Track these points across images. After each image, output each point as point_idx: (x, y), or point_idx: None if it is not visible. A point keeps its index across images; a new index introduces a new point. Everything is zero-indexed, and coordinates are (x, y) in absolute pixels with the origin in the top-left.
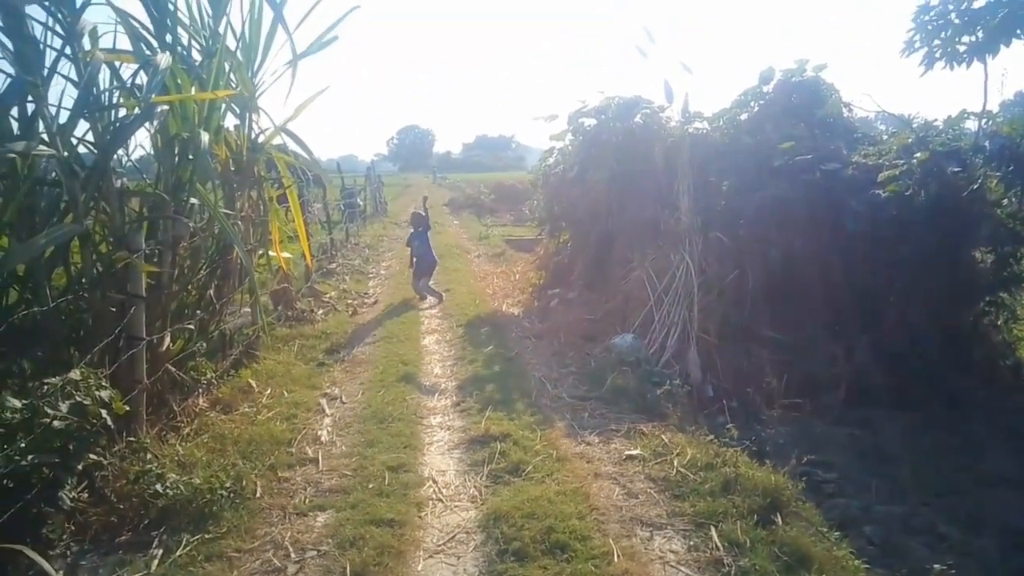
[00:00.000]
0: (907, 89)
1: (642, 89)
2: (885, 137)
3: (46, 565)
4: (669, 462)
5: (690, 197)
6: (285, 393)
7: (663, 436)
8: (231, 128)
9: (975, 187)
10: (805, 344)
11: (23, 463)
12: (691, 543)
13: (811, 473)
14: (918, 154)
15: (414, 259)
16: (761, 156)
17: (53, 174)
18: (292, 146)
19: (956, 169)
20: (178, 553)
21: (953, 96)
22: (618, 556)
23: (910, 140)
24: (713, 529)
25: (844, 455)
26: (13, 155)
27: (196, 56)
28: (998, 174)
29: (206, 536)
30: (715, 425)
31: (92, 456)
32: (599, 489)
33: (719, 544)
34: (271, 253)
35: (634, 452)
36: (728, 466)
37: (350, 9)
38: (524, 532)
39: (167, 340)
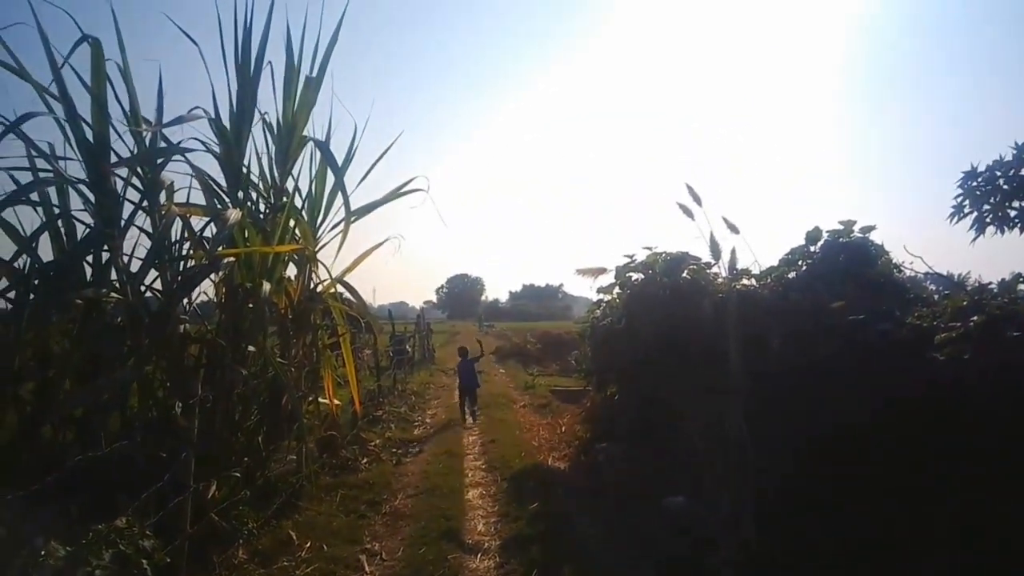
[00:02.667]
0: (956, 249)
1: (688, 245)
2: (936, 298)
3: None
4: None
5: (739, 353)
6: (324, 547)
7: None
8: (291, 278)
9: None
10: (866, 510)
11: None
12: None
13: None
14: (975, 317)
15: (459, 380)
16: (813, 314)
17: (119, 320)
18: (347, 295)
19: (1016, 333)
20: None
21: (1002, 257)
22: None
23: (965, 302)
24: None
25: None
26: (82, 301)
27: (262, 209)
28: None
29: None
30: None
31: None
32: None
33: None
34: (321, 399)
35: None
36: None
37: (412, 188)
38: None
39: (213, 487)
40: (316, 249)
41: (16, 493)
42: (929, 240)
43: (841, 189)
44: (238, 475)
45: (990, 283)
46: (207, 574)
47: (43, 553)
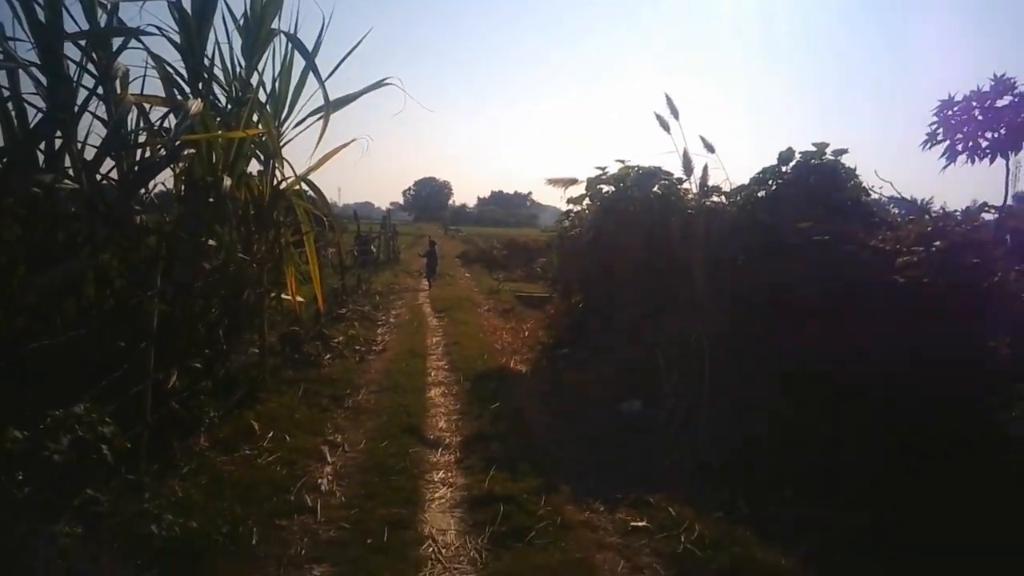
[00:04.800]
0: (924, 176)
1: (661, 160)
2: (901, 222)
3: None
4: (676, 537)
5: (704, 269)
6: (287, 438)
7: (670, 509)
8: (254, 174)
9: (996, 278)
10: (819, 423)
11: (19, 495)
12: None
13: (821, 558)
14: (937, 242)
15: (425, 264)
16: (779, 234)
17: (73, 208)
18: (311, 193)
19: (975, 260)
20: None
21: (970, 186)
22: None
23: (928, 228)
24: None
25: (855, 540)
26: (38, 188)
27: (226, 105)
28: (1017, 268)
29: None
30: (724, 501)
31: (89, 491)
32: (603, 561)
33: None
34: (284, 295)
35: (640, 524)
36: (737, 545)
37: (382, 79)
38: None
39: (173, 377)
40: (280, 145)
41: None
42: (899, 168)
43: (821, 112)
44: (199, 366)
45: (955, 211)
46: (168, 460)
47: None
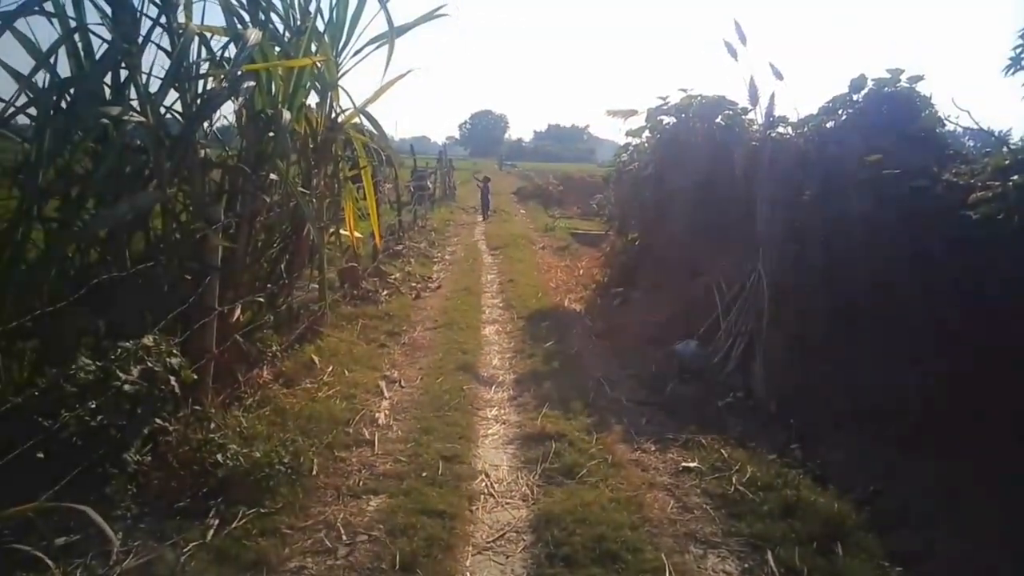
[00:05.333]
0: (1006, 106)
1: (725, 90)
2: (976, 154)
3: (106, 528)
4: (727, 478)
5: (769, 205)
6: (346, 372)
7: (722, 450)
8: (312, 107)
9: None
10: (878, 367)
11: (92, 423)
12: (746, 565)
13: (875, 502)
14: (1015, 177)
15: (481, 199)
16: (847, 167)
17: (139, 141)
18: (368, 127)
19: None
20: (233, 525)
21: None
22: (670, 572)
23: (1007, 161)
24: (770, 553)
25: (910, 485)
26: (107, 120)
27: (284, 33)
28: None
29: (261, 510)
30: (777, 443)
31: (158, 421)
32: (654, 500)
33: (775, 569)
34: (343, 231)
35: (691, 464)
36: (789, 488)
37: (437, 9)
38: (575, 538)
39: (237, 311)
40: (338, 75)
41: (45, 309)
42: (981, 94)
43: (898, 34)
44: (261, 300)
45: None
46: (232, 392)
47: (75, 366)
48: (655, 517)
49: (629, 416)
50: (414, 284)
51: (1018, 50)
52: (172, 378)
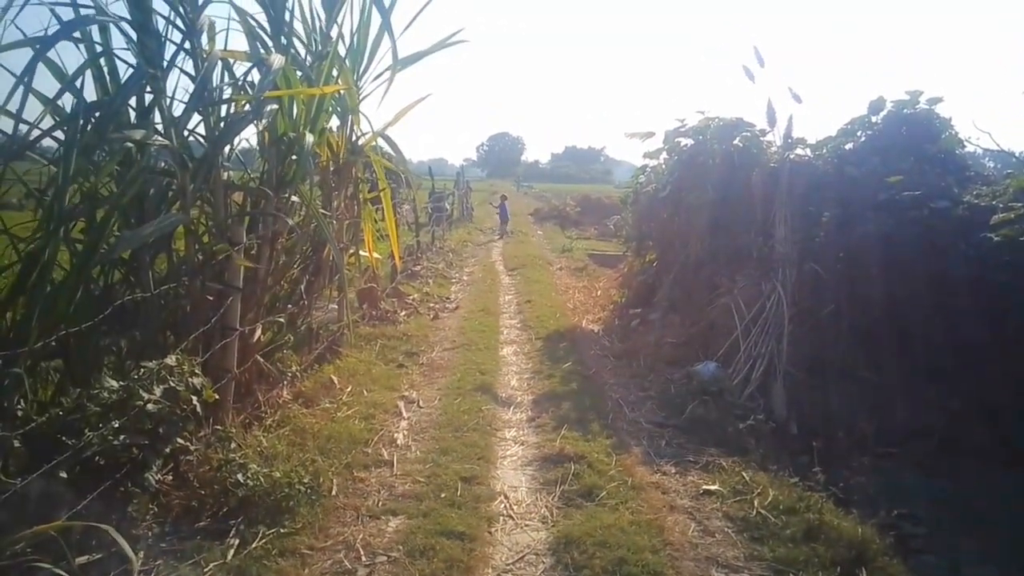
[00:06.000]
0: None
1: (743, 112)
2: (997, 176)
3: (127, 547)
4: (749, 501)
5: (787, 226)
6: (365, 392)
7: (743, 473)
8: (333, 130)
9: None
10: (899, 388)
11: (115, 443)
12: None
13: (899, 526)
14: None
15: (499, 217)
16: (866, 189)
17: (163, 164)
18: (387, 149)
19: None
20: (254, 545)
21: None
22: None
23: None
24: None
25: (934, 509)
26: (131, 143)
27: (305, 58)
28: None
29: (281, 530)
30: (799, 466)
31: (180, 441)
32: (674, 523)
33: None
34: (362, 252)
35: (712, 487)
36: (812, 512)
37: (454, 32)
38: (595, 560)
39: (258, 331)
40: (359, 100)
41: (70, 329)
42: (1001, 116)
43: (916, 60)
44: (282, 320)
45: None
46: (253, 412)
47: (98, 386)
48: (676, 540)
49: (648, 438)
50: (432, 304)
51: None
52: (194, 398)
